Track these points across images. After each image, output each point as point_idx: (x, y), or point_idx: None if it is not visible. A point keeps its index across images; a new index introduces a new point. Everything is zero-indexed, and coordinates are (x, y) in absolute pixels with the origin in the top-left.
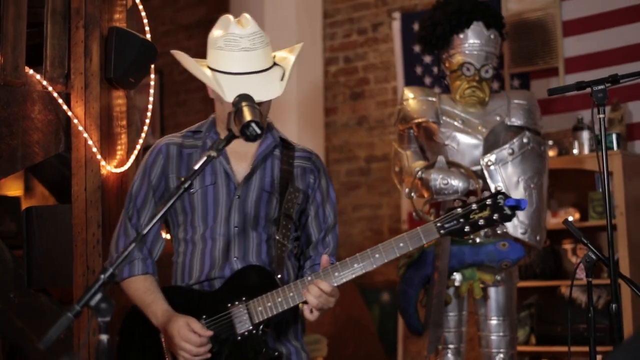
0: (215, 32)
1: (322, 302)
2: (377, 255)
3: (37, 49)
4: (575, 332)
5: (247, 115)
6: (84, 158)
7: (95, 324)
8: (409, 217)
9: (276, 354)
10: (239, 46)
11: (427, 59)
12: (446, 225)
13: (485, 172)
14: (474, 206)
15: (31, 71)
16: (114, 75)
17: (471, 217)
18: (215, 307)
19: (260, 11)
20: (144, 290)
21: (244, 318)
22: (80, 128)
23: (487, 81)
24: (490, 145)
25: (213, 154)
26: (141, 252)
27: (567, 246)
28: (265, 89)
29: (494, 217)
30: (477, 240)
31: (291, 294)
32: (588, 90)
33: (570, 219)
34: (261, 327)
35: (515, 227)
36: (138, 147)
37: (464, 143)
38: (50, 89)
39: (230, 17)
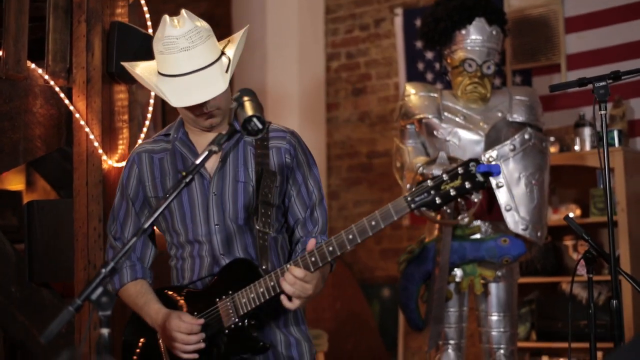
0: (156, 36)
1: (297, 289)
2: (350, 237)
3: (39, 43)
4: (576, 329)
5: (249, 110)
6: (85, 152)
7: (96, 318)
8: (410, 213)
9: (260, 344)
10: (178, 47)
11: (429, 54)
12: (416, 199)
13: None
14: (445, 177)
15: (33, 65)
16: (115, 70)
17: (442, 188)
18: (206, 304)
19: (262, 7)
20: (135, 294)
21: (231, 312)
22: (82, 122)
23: (488, 77)
24: (491, 141)
25: (214, 148)
26: (129, 260)
27: (568, 242)
28: (208, 87)
29: (466, 186)
30: (478, 236)
31: (272, 283)
32: (590, 86)
33: (572, 215)
34: (246, 319)
35: (516, 223)
36: (139, 141)
37: (466, 139)
38: (52, 83)
39: (167, 18)
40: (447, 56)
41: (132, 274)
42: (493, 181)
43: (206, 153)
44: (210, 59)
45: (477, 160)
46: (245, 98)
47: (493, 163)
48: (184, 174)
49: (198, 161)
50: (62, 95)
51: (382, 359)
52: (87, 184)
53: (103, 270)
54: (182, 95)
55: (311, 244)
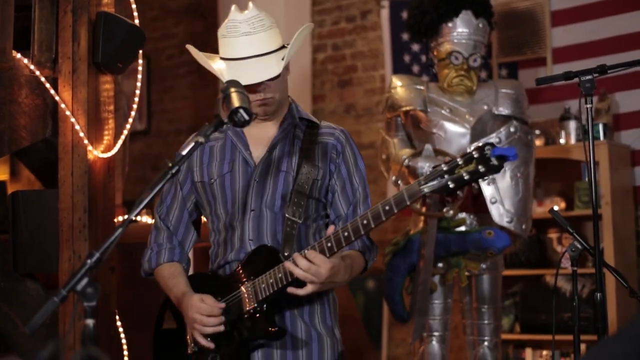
0: (223, 23)
1: (311, 273)
2: (364, 222)
3: (24, 33)
4: (560, 321)
5: (236, 102)
6: (70, 143)
7: (81, 309)
8: None
9: (276, 329)
10: (240, 31)
11: (416, 47)
12: (430, 183)
13: None
14: (460, 160)
15: (18, 55)
16: (101, 60)
17: (456, 172)
18: (230, 288)
19: None
20: (168, 276)
21: (251, 297)
22: (68, 113)
23: (475, 70)
24: (477, 134)
25: (201, 139)
26: (170, 242)
27: (553, 235)
28: (262, 71)
29: (480, 170)
30: (463, 228)
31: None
32: (576, 80)
33: (556, 208)
34: (265, 304)
35: (501, 215)
36: (125, 132)
37: (451, 131)
38: (37, 73)
39: (234, 6)
40: (434, 49)
41: (169, 256)
42: None
43: (192, 144)
44: (269, 47)
45: (492, 144)
46: (232, 89)
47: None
48: (170, 164)
49: (184, 152)
50: (47, 85)
51: (366, 351)
52: (72, 174)
53: (88, 261)
54: (237, 76)
55: (330, 229)
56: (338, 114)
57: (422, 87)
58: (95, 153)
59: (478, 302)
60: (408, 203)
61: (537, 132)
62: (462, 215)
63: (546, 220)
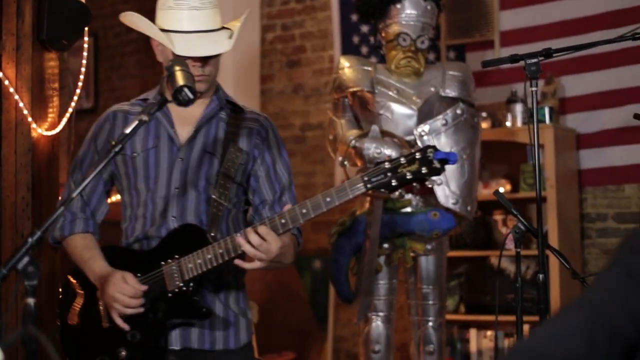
0: None
1: (261, 249)
2: (304, 211)
3: None
4: (504, 302)
5: (180, 80)
6: (14, 120)
7: (22, 288)
8: None
9: (203, 310)
10: (189, 5)
11: (365, 28)
12: (373, 180)
13: (419, 142)
14: (403, 160)
15: None
16: (46, 37)
17: (399, 170)
18: (150, 265)
19: None
20: (82, 247)
21: (175, 275)
22: (12, 90)
23: (422, 52)
24: (424, 115)
25: (145, 118)
26: (84, 213)
27: (498, 217)
28: (213, 45)
29: (422, 171)
30: (409, 209)
31: (220, 251)
32: (522, 63)
33: (502, 190)
34: (191, 284)
35: (446, 197)
36: (70, 110)
37: (398, 113)
38: None
39: None
40: (382, 30)
41: (84, 227)
42: None
43: (136, 122)
44: (214, 25)
45: (435, 147)
46: (177, 68)
47: (451, 151)
48: (113, 143)
49: (128, 130)
50: None
51: (312, 331)
52: (15, 152)
53: (30, 240)
54: (190, 48)
55: (286, 207)
56: (286, 94)
57: (369, 68)
58: (40, 131)
59: (423, 283)
60: (350, 196)
61: (484, 114)
62: (408, 196)
63: (492, 202)
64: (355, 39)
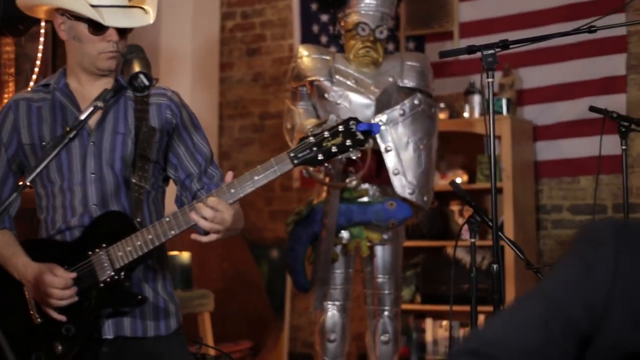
0: None
1: (217, 221)
2: (232, 190)
3: None
4: (459, 292)
5: (136, 67)
6: None
7: None
8: (300, 175)
9: (138, 297)
10: None
11: (325, 17)
12: (299, 155)
13: None
14: (326, 134)
15: None
16: (2, 22)
17: (324, 144)
18: (76, 256)
19: None
20: (1, 244)
21: (105, 265)
22: None
23: (381, 42)
24: (382, 105)
25: (100, 104)
26: None
27: (455, 207)
28: (139, 18)
29: (347, 143)
30: (366, 199)
31: (150, 237)
32: (479, 54)
33: (459, 180)
34: (122, 272)
35: (403, 187)
36: None
37: (356, 102)
38: None
39: None
40: (341, 19)
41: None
42: (382, 145)
43: (91, 108)
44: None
45: (356, 119)
46: (133, 54)
47: (376, 122)
48: (68, 129)
49: (83, 116)
50: None
51: (269, 320)
52: None
53: None
54: (116, 20)
55: (229, 176)
56: (246, 82)
57: (328, 58)
58: None
59: (379, 272)
60: (278, 173)
61: (442, 105)
62: (365, 186)
63: (448, 192)
64: (315, 28)
